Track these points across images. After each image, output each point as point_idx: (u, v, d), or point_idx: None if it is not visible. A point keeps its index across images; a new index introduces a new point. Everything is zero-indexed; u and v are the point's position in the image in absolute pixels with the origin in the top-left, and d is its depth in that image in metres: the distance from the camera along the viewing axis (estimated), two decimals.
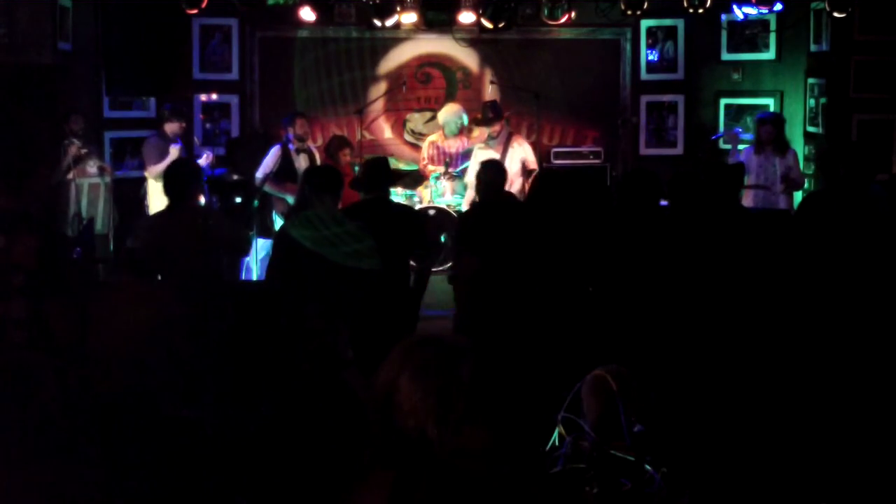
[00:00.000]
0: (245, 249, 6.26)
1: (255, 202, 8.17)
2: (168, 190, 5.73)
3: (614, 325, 5.51)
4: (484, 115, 8.47)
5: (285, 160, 8.39)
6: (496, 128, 8.35)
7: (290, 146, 8.48)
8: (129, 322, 4.87)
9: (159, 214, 5.73)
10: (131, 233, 5.77)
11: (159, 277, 5.54)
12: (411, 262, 6.00)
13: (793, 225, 5.91)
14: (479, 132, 9.38)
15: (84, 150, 8.29)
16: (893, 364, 5.21)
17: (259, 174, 8.33)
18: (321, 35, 9.89)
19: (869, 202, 5.83)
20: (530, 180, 6.25)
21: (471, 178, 8.29)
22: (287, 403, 4.18)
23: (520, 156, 8.31)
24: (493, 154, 8.17)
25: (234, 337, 5.73)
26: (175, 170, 5.96)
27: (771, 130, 8.19)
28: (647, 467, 3.13)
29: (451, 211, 8.75)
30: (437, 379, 1.98)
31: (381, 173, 5.98)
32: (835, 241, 5.66)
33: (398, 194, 8.46)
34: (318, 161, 8.67)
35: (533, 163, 8.41)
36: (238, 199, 7.98)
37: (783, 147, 8.23)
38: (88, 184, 8.55)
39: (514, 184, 8.13)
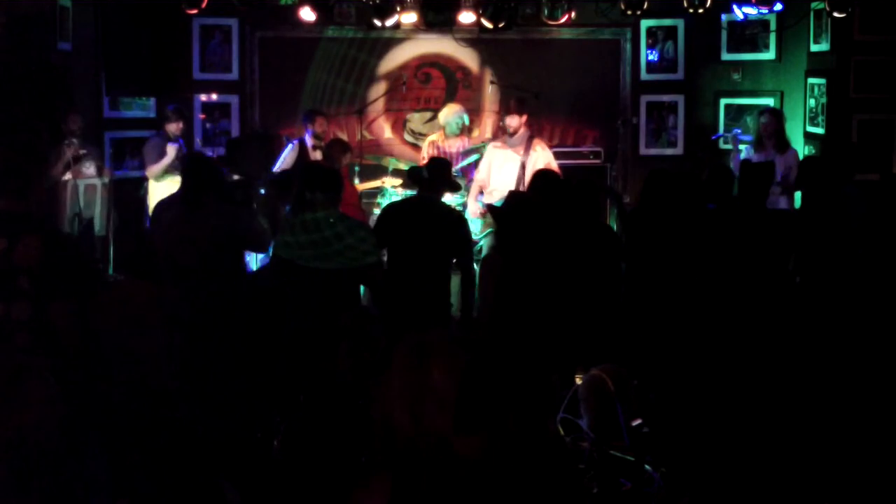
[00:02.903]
0: (265, 246, 6.25)
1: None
2: (189, 187, 5.72)
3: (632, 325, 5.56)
4: (507, 103, 8.39)
5: (302, 157, 8.46)
6: (512, 122, 8.13)
7: (308, 143, 8.55)
8: (138, 322, 4.88)
9: (176, 213, 5.70)
10: (154, 228, 5.72)
11: (178, 276, 5.54)
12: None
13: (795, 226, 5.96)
14: (479, 132, 9.37)
15: (83, 151, 8.28)
16: (889, 364, 5.22)
17: (276, 169, 8.42)
18: (321, 35, 9.89)
19: (840, 203, 5.87)
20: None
21: (482, 175, 8.29)
22: (317, 404, 4.17)
23: (544, 160, 8.20)
24: (512, 154, 8.12)
25: (248, 334, 5.76)
26: (196, 166, 5.93)
27: (771, 121, 8.19)
28: (647, 467, 3.13)
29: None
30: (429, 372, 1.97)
31: (445, 176, 6.20)
32: (817, 242, 5.72)
33: (398, 194, 8.46)
34: None
35: (556, 169, 8.35)
36: (263, 191, 7.99)
37: (784, 145, 8.22)
38: (85, 184, 8.53)
39: None
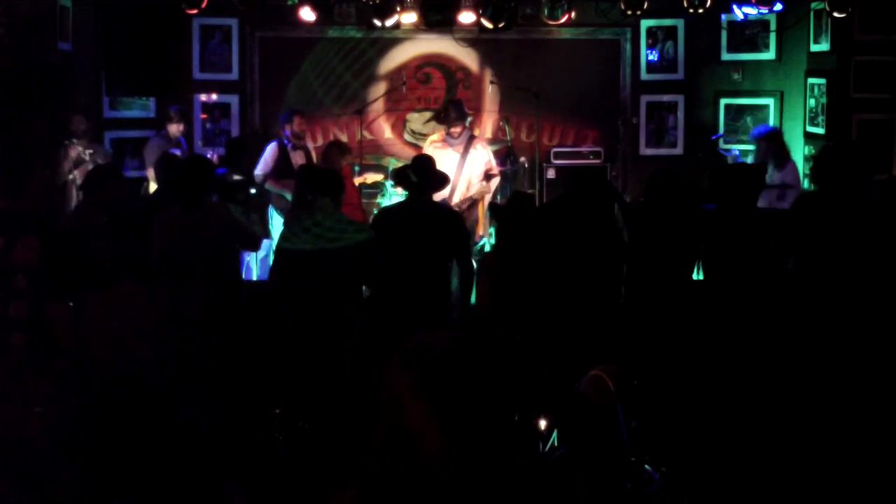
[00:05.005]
0: (256, 245, 6.25)
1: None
2: (183, 189, 5.72)
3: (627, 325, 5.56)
4: (446, 114, 8.28)
5: (282, 157, 8.44)
6: (458, 129, 8.18)
7: (287, 143, 8.53)
8: (130, 322, 4.88)
9: (175, 213, 5.69)
10: (148, 233, 5.70)
11: (177, 277, 5.53)
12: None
13: (787, 224, 5.89)
14: (479, 132, 9.33)
15: (90, 151, 8.25)
16: (890, 365, 5.22)
17: (259, 171, 8.38)
18: (321, 35, 9.89)
19: (863, 203, 5.84)
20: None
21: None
22: (319, 405, 4.16)
23: (483, 159, 8.24)
24: (451, 153, 8.15)
25: (244, 334, 5.76)
26: (190, 169, 5.93)
27: (764, 147, 8.07)
28: (647, 467, 3.13)
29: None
30: (417, 374, 1.94)
31: (433, 174, 6.11)
32: (828, 242, 5.67)
33: (398, 193, 8.45)
34: (315, 159, 8.70)
35: (495, 167, 8.34)
36: (253, 191, 7.95)
37: (781, 162, 8.10)
38: None
39: (473, 187, 8.13)
